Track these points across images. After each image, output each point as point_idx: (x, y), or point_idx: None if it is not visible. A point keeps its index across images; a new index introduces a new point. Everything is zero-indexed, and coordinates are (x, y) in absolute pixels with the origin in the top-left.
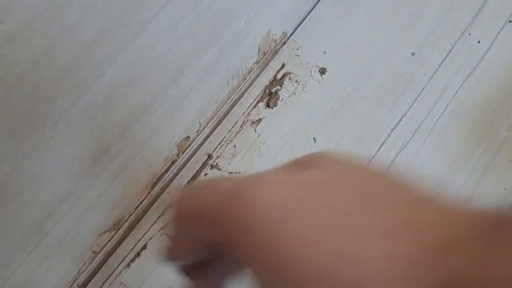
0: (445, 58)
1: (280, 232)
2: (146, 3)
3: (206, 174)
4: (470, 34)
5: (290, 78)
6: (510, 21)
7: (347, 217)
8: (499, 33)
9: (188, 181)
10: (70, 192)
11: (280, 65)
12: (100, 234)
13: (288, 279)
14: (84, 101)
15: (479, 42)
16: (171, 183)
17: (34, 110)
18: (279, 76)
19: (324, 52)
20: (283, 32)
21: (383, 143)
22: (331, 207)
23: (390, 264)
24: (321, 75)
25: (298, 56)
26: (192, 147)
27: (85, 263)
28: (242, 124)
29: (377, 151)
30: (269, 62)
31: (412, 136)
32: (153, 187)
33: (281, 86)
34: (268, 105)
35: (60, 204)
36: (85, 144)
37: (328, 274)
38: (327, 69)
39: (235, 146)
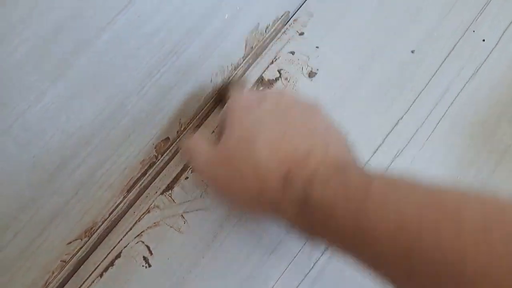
0: (447, 57)
1: (237, 124)
2: None
3: (187, 178)
4: (474, 31)
5: (280, 74)
6: None
7: (269, 133)
8: (505, 30)
9: (168, 186)
10: (31, 200)
11: (269, 61)
12: (70, 242)
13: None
14: (44, 102)
15: (484, 40)
16: (149, 187)
17: None
18: (267, 73)
19: (317, 47)
20: (273, 26)
21: (377, 149)
22: (265, 126)
23: (272, 166)
24: (312, 72)
25: (289, 51)
26: (171, 149)
27: (53, 272)
28: None
29: (371, 158)
30: (257, 58)
31: (408, 142)
32: (128, 191)
33: (270, 83)
34: None
35: (20, 214)
36: (47, 149)
37: (241, 149)
38: (319, 67)
39: None
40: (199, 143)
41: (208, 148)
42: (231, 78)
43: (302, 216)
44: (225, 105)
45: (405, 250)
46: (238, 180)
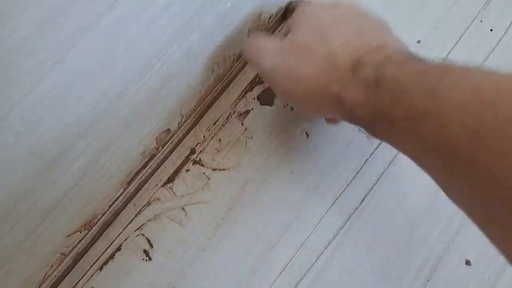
0: (454, 47)
1: (311, 19)
2: None
3: (188, 170)
4: (481, 21)
5: None
6: None
7: (342, 28)
8: None
9: (169, 178)
10: (29, 191)
11: None
12: (69, 235)
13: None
14: (40, 90)
15: (491, 30)
16: (149, 180)
17: None
18: None
19: None
20: (276, 15)
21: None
22: (338, 23)
23: (345, 52)
24: None
25: None
26: (172, 141)
27: (52, 266)
28: (228, 116)
29: (375, 150)
30: None
31: None
32: (129, 183)
33: None
34: (258, 99)
35: (17, 205)
36: (44, 139)
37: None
38: None
39: (220, 140)
40: (265, 38)
41: (275, 41)
42: None
43: (368, 97)
44: (293, 14)
45: (480, 114)
46: (307, 63)
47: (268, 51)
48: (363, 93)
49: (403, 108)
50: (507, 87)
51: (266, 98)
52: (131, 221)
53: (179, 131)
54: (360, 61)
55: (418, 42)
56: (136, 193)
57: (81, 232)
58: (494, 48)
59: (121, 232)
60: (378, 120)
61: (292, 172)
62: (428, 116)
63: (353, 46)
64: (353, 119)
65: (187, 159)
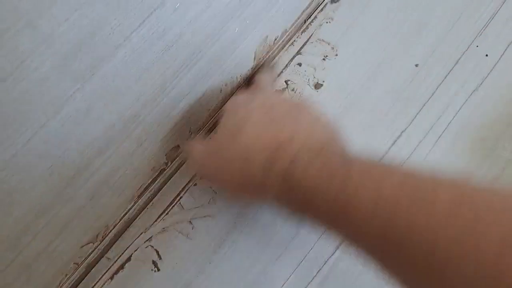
0: (450, 71)
1: (228, 120)
2: (129, 12)
3: (195, 184)
4: (477, 46)
5: (287, 85)
6: None
7: (256, 123)
8: (508, 46)
9: (178, 193)
10: (48, 206)
11: (277, 72)
12: (83, 246)
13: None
14: (61, 116)
15: (487, 55)
16: (158, 193)
17: (3, 128)
18: (275, 83)
19: (323, 59)
20: (281, 38)
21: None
22: (252, 118)
23: (256, 149)
24: (319, 84)
25: (296, 63)
26: (181, 156)
27: (66, 274)
28: None
29: None
30: None
31: (410, 155)
32: (139, 197)
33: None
34: None
35: (37, 219)
36: (63, 159)
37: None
38: (326, 78)
39: None
40: (194, 143)
41: (202, 146)
42: (262, 61)
43: (284, 196)
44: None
45: (381, 228)
46: (225, 166)
47: (196, 156)
48: (278, 193)
49: (315, 208)
50: (405, 186)
51: None
52: (141, 233)
53: None
54: (270, 159)
55: (416, 65)
56: (146, 206)
57: (93, 243)
58: (489, 73)
59: (132, 243)
60: (299, 213)
61: None
62: (337, 216)
63: (265, 140)
64: (280, 207)
65: (195, 173)
